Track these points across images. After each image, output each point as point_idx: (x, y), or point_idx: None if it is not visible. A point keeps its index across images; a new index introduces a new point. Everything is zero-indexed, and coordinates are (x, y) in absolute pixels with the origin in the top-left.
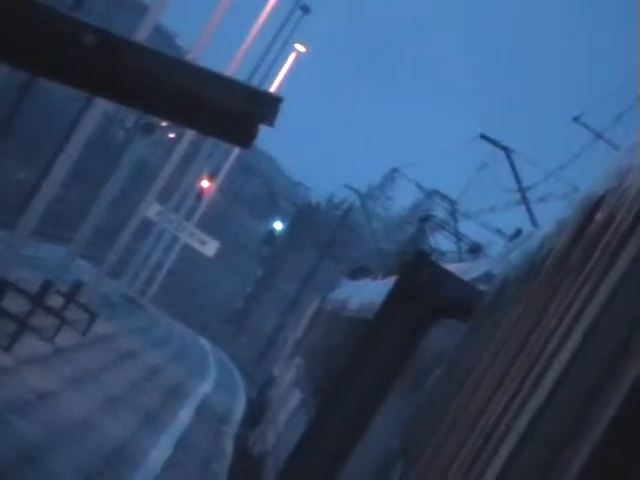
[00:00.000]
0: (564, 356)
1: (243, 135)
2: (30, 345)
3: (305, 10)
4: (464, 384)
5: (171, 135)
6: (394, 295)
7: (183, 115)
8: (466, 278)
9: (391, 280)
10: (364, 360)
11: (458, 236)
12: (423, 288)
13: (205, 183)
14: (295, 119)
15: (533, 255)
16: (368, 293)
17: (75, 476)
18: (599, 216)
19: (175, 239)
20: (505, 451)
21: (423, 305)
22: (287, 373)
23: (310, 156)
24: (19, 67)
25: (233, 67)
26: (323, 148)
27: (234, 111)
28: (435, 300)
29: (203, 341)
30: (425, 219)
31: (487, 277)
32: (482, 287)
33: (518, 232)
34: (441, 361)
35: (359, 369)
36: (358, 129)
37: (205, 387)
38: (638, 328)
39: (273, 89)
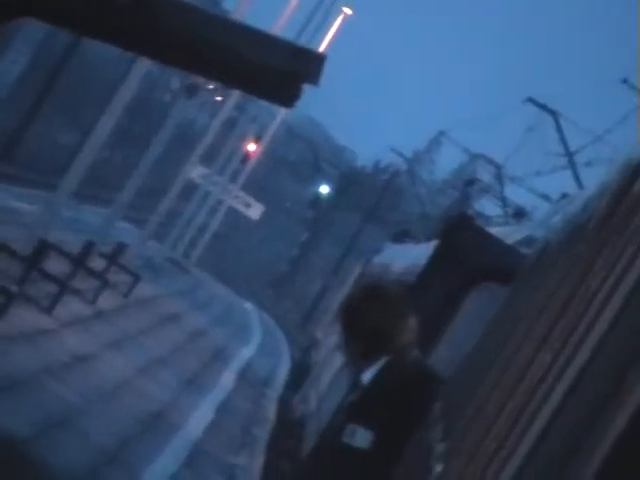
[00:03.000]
0: (605, 319)
1: (286, 94)
2: (71, 307)
3: None
4: (505, 347)
5: (217, 98)
6: (435, 258)
7: (225, 73)
8: (509, 241)
9: (434, 244)
10: None
11: (503, 200)
12: (464, 251)
13: (250, 146)
14: (342, 82)
15: (575, 218)
16: (411, 256)
17: (110, 440)
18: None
19: (220, 202)
20: (547, 412)
21: (464, 268)
22: (330, 336)
23: (357, 120)
24: (57, 25)
25: (277, 29)
26: (370, 111)
27: (277, 68)
28: (476, 263)
29: (248, 304)
30: (470, 183)
31: (530, 241)
32: (525, 251)
33: (564, 197)
34: (482, 324)
35: None
36: (406, 92)
37: (248, 350)
38: None
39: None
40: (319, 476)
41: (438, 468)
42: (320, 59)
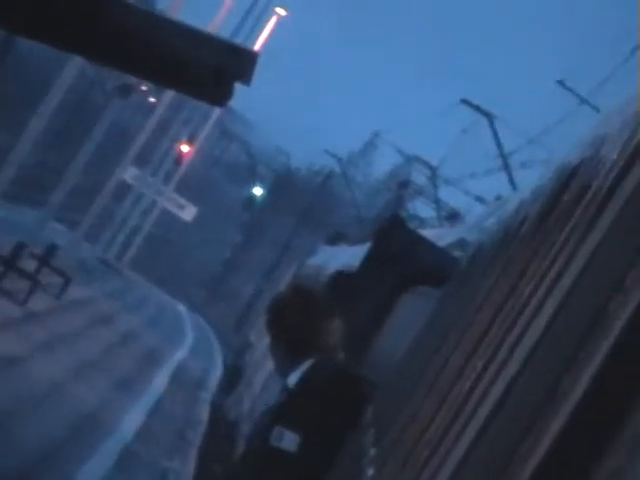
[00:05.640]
0: (539, 323)
1: (218, 92)
2: (1, 309)
3: None
4: (438, 352)
5: (151, 99)
6: (368, 260)
7: (156, 71)
8: (442, 244)
9: (367, 246)
10: None
11: (437, 203)
12: (397, 253)
13: (184, 147)
14: (275, 83)
15: (509, 221)
16: (344, 258)
17: (42, 443)
18: (574, 184)
19: (153, 203)
20: (481, 417)
21: (397, 270)
22: (263, 339)
23: (291, 120)
24: None
25: (211, 29)
26: (304, 112)
27: (208, 66)
28: (409, 266)
29: (180, 306)
30: (404, 185)
31: (463, 243)
32: (458, 253)
33: (498, 199)
34: (415, 328)
35: None
36: (339, 94)
37: (181, 353)
38: (614, 295)
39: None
40: (249, 479)
41: (370, 472)
42: (253, 57)
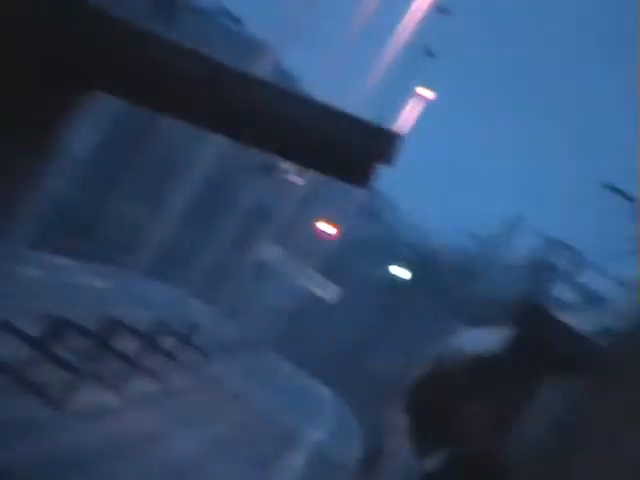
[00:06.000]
0: None
1: (360, 174)
2: (141, 385)
3: (430, 54)
4: (577, 443)
5: (292, 178)
6: (508, 346)
7: (297, 151)
8: (584, 330)
9: (506, 329)
10: None
11: (579, 286)
12: (538, 340)
13: (325, 226)
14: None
15: None
16: (484, 342)
17: None
18: None
19: (293, 282)
20: None
21: (537, 357)
22: (402, 418)
23: (432, 201)
24: (127, 99)
25: (352, 107)
26: (447, 193)
27: (351, 148)
28: (550, 353)
29: (321, 388)
30: (545, 267)
31: (606, 331)
32: (601, 341)
33: None
34: (552, 418)
35: None
36: (477, 172)
37: (318, 434)
38: None
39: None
40: None
41: None
42: (396, 139)
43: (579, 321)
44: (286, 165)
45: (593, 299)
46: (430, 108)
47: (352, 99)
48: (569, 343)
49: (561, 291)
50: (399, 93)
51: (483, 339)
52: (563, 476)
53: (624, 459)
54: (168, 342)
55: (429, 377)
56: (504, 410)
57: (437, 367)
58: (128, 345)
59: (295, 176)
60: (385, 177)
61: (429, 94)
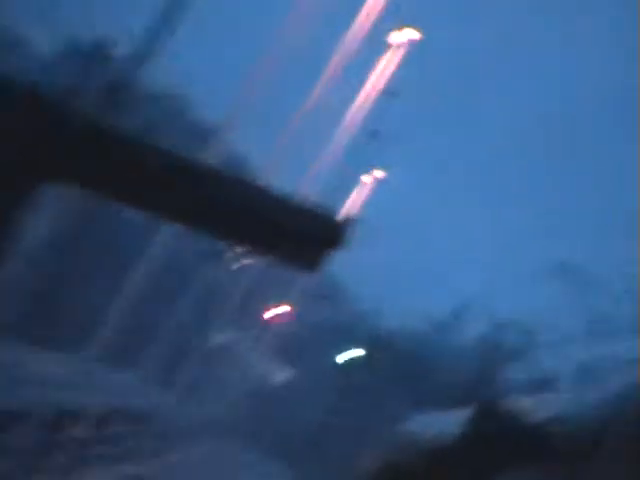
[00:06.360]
0: None
1: (311, 260)
2: (89, 477)
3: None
4: None
5: (245, 261)
6: (464, 435)
7: (250, 238)
8: (537, 419)
9: (462, 414)
10: None
11: (529, 366)
12: (491, 436)
13: (277, 309)
14: (367, 243)
15: (618, 402)
16: (439, 429)
17: None
18: None
19: (248, 364)
20: None
21: (492, 449)
22: None
23: (383, 282)
24: (84, 189)
25: (305, 186)
26: (398, 273)
27: (301, 235)
28: (504, 446)
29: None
30: (494, 349)
31: (559, 419)
32: (555, 427)
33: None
34: None
35: None
36: (428, 253)
37: None
38: None
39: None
40: None
41: None
42: (346, 224)
43: (532, 407)
44: (239, 249)
45: (547, 380)
46: (389, 190)
47: (304, 181)
48: (522, 435)
49: (514, 372)
50: (352, 176)
51: (437, 425)
52: None
53: None
54: (122, 429)
55: (385, 468)
56: None
57: (392, 456)
58: (79, 434)
59: (248, 260)
60: (339, 259)
61: (381, 174)
